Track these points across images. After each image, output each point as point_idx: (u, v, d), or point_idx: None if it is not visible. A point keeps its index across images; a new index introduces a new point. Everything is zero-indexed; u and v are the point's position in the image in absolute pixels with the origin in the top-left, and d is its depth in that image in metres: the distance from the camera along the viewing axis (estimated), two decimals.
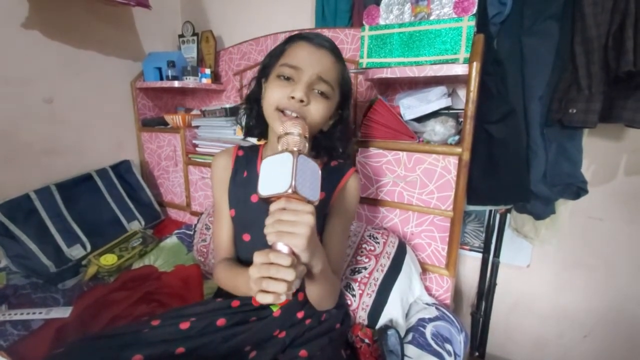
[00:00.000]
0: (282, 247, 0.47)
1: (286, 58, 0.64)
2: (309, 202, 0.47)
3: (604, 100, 0.90)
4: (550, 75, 0.98)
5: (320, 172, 0.49)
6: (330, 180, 0.72)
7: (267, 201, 0.48)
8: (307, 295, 0.66)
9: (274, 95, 0.63)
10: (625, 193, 1.08)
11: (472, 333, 1.35)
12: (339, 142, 0.74)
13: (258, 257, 0.47)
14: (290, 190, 0.44)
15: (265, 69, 0.70)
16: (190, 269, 1.13)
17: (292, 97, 0.61)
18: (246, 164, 0.76)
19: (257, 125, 0.74)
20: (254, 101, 0.73)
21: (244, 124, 0.76)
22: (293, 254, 0.48)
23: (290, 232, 0.46)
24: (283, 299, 0.45)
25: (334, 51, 0.66)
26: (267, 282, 0.45)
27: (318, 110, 0.63)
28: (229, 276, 0.71)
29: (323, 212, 0.71)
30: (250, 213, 0.72)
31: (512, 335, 1.37)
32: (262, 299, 0.45)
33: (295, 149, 0.48)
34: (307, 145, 0.51)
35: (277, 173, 0.46)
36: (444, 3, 0.91)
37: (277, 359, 0.66)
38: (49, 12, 1.25)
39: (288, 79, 0.63)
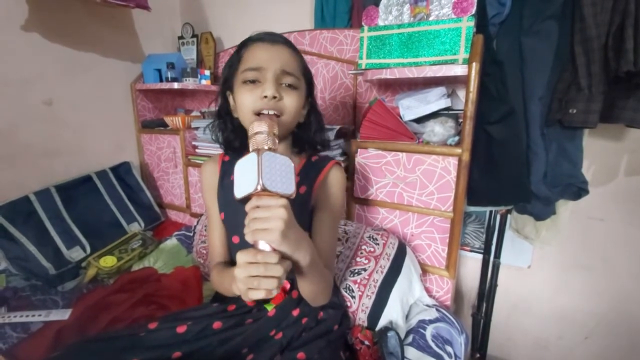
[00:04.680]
0: (263, 245, 0.48)
1: (246, 63, 0.65)
2: (283, 196, 0.47)
3: (604, 100, 0.90)
4: (550, 75, 0.98)
5: (292, 164, 0.49)
6: (311, 174, 0.73)
7: (244, 202, 0.49)
8: (300, 291, 0.66)
9: (246, 100, 0.64)
10: (626, 193, 1.07)
11: (473, 334, 1.34)
12: (317, 132, 0.76)
13: (242, 256, 0.48)
14: (259, 188, 0.45)
15: (227, 81, 0.70)
16: (189, 270, 1.13)
17: (265, 96, 0.62)
18: (233, 168, 0.76)
19: (237, 137, 0.75)
20: (225, 115, 0.74)
21: (221, 140, 0.76)
22: (274, 250, 0.48)
23: (263, 229, 0.46)
24: (275, 293, 0.46)
25: (288, 43, 0.68)
26: (259, 280, 0.46)
27: (292, 103, 0.65)
28: (219, 279, 0.72)
29: (308, 207, 0.71)
30: (237, 215, 0.72)
31: (513, 336, 1.36)
32: (254, 295, 0.46)
33: (265, 147, 0.49)
34: (276, 141, 0.51)
35: (247, 174, 0.47)
36: (443, 4, 0.91)
37: None
38: (49, 14, 1.25)
39: (254, 81, 0.64)
